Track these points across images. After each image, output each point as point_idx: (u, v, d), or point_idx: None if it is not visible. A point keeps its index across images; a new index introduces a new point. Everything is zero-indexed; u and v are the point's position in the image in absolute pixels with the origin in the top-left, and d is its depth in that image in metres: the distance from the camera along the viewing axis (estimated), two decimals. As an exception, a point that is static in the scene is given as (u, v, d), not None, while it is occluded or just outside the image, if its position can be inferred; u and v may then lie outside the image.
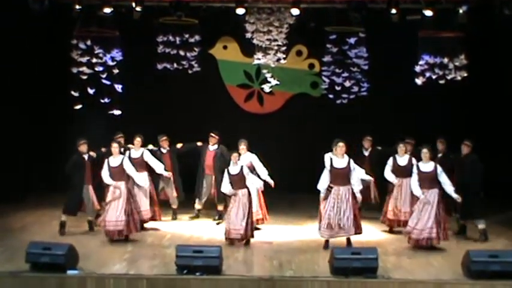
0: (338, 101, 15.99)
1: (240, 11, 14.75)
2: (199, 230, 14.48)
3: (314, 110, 18.10)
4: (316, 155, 14.22)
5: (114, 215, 13.21)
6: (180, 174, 15.33)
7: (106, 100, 15.18)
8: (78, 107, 15.19)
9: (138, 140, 14.61)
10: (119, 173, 13.42)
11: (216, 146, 15.29)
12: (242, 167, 13.26)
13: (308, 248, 13.09)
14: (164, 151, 15.21)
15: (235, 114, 18.52)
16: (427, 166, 12.95)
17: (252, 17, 15.29)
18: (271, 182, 14.18)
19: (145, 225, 14.38)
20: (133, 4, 14.61)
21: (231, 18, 15.29)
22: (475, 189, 13.36)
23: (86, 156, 13.91)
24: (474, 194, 13.29)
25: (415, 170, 13.04)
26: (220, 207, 15.19)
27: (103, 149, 14.39)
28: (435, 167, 12.93)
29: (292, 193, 15.00)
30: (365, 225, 13.52)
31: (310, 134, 17.68)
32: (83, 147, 13.89)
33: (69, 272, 11.16)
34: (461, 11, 14.29)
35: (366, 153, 15.49)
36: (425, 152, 13.01)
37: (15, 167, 16.66)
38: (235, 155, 13.41)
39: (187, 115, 18.00)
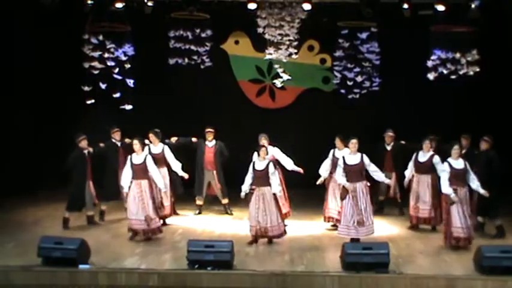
0: (350, 96, 15.94)
1: (252, 5, 14.74)
2: (211, 225, 14.51)
3: (326, 104, 18.10)
4: (328, 149, 14.24)
5: (135, 213, 13.07)
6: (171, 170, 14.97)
7: (117, 95, 15.20)
8: (91, 101, 15.21)
9: (152, 136, 14.55)
10: (141, 170, 13.18)
11: (214, 142, 15.30)
12: (269, 163, 12.99)
13: (320, 243, 13.09)
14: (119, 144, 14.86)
15: (247, 109, 18.54)
16: (458, 163, 12.62)
17: (263, 11, 15.28)
18: (300, 170, 14.20)
19: (167, 220, 14.47)
20: (145, -1, 14.64)
21: (242, 13, 15.26)
22: (492, 186, 13.07)
23: (86, 152, 13.96)
24: (491, 190, 12.97)
25: (446, 167, 12.62)
26: (224, 201, 15.28)
27: (101, 144, 14.46)
28: (465, 164, 12.64)
29: (304, 188, 14.95)
30: (378, 220, 13.50)
31: (322, 128, 17.65)
32: (83, 143, 13.92)
33: (81, 267, 11.21)
34: (473, 5, 14.24)
35: (389, 148, 15.35)
36: (456, 148, 12.66)
37: (28, 161, 16.72)
38: (263, 149, 13.13)
39: (198, 110, 18.02)
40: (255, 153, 13.25)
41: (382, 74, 15.89)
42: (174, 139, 15.23)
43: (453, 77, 14.77)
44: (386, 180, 13.40)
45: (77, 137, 13.96)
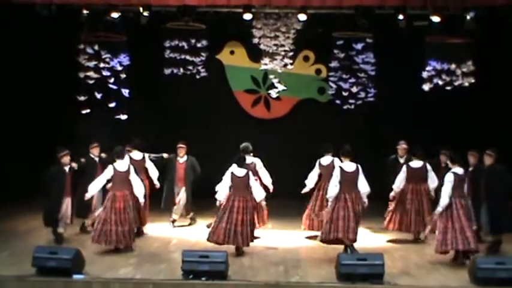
0: (345, 107, 15.95)
1: (247, 16, 14.74)
2: (206, 235, 14.45)
3: (321, 115, 18.12)
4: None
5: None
6: None
7: (113, 104, 15.20)
8: (86, 111, 15.20)
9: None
10: (123, 180, 13.16)
11: (185, 158, 15.23)
12: (248, 172, 13.11)
13: (314, 254, 13.08)
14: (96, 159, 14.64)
15: (242, 119, 18.56)
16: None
17: (259, 22, 15.32)
18: (271, 187, 14.30)
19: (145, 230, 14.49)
20: (141, 9, 14.61)
21: (238, 24, 15.29)
22: (501, 201, 12.94)
23: (66, 168, 13.45)
24: (501, 205, 12.87)
25: (451, 178, 12.32)
26: (188, 216, 15.40)
27: (82, 160, 14.17)
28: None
29: (299, 198, 14.94)
30: (373, 231, 13.46)
31: (317, 139, 17.64)
32: (65, 159, 13.43)
33: (75, 277, 11.18)
34: (468, 17, 14.24)
35: (402, 161, 14.79)
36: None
37: (22, 171, 16.69)
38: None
39: (194, 120, 18.04)
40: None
41: (378, 85, 15.90)
42: (147, 155, 14.97)
43: (448, 88, 14.79)
44: (364, 199, 12.93)
45: (59, 152, 13.42)
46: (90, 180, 13.64)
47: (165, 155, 15.33)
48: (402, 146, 15.07)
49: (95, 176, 13.87)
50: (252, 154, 14.36)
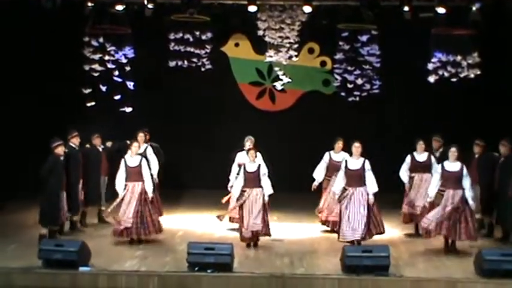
0: (350, 99, 15.92)
1: (252, 8, 14.72)
2: (211, 227, 14.49)
3: (326, 107, 18.10)
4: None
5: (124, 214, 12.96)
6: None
7: (118, 97, 15.20)
8: (91, 104, 15.21)
9: (141, 136, 14.32)
10: (136, 173, 13.12)
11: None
12: (260, 165, 13.07)
13: (319, 246, 13.09)
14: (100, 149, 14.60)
15: (247, 111, 18.54)
16: (453, 166, 12.44)
17: (264, 14, 15.29)
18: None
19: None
20: (145, 1, 14.60)
21: (243, 16, 15.27)
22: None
23: (62, 159, 13.11)
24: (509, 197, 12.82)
25: (439, 169, 12.56)
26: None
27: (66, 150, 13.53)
28: (461, 168, 12.43)
29: (304, 191, 14.94)
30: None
31: (322, 131, 17.66)
32: (60, 149, 13.02)
33: (81, 269, 11.20)
34: (474, 8, 14.22)
35: (437, 154, 14.27)
36: (453, 151, 12.50)
37: (28, 164, 16.69)
38: (252, 152, 13.19)
39: (198, 112, 18.03)
40: (238, 154, 13.36)
41: (383, 77, 15.87)
42: (109, 143, 14.85)
43: (454, 79, 14.76)
44: (371, 192, 12.82)
45: (52, 142, 13.00)
46: (95, 169, 14.05)
47: (128, 142, 14.44)
48: (436, 139, 14.49)
49: (99, 165, 14.14)
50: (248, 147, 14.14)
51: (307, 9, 14.79)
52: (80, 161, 13.85)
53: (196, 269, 11.17)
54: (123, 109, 15.34)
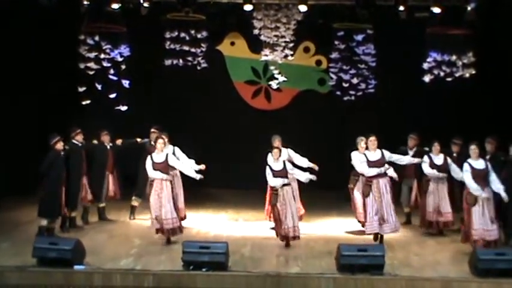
0: (345, 98, 15.96)
1: (248, 7, 14.74)
2: (206, 226, 14.50)
3: (321, 106, 18.11)
4: (324, 151, 14.23)
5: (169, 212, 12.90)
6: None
7: (113, 96, 15.19)
8: (86, 102, 15.20)
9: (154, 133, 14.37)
10: (163, 169, 13.01)
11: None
12: (284, 162, 13.06)
13: (315, 245, 13.09)
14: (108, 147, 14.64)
15: (242, 110, 18.54)
16: (478, 163, 12.27)
17: (259, 13, 15.30)
18: (315, 166, 13.83)
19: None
20: (141, 0, 14.61)
21: (238, 15, 15.28)
22: None
23: (62, 154, 13.14)
24: None
25: (467, 167, 12.28)
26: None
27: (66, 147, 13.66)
28: (486, 164, 12.27)
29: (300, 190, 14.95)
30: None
31: (317, 130, 17.69)
32: (59, 145, 13.09)
33: (76, 267, 11.20)
34: (469, 8, 14.25)
35: (411, 153, 14.42)
36: (473, 148, 12.34)
37: (23, 161, 16.68)
38: (276, 151, 13.11)
39: (194, 111, 18.03)
40: (269, 155, 13.23)
41: (378, 76, 15.91)
42: (119, 141, 14.81)
43: (449, 79, 14.80)
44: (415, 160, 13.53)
45: (52, 139, 13.07)
46: (100, 166, 14.19)
47: (138, 140, 14.90)
48: (412, 137, 14.69)
49: (105, 163, 14.28)
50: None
51: (303, 8, 14.80)
52: (82, 158, 13.93)
53: (191, 267, 11.17)
54: (118, 107, 15.33)
